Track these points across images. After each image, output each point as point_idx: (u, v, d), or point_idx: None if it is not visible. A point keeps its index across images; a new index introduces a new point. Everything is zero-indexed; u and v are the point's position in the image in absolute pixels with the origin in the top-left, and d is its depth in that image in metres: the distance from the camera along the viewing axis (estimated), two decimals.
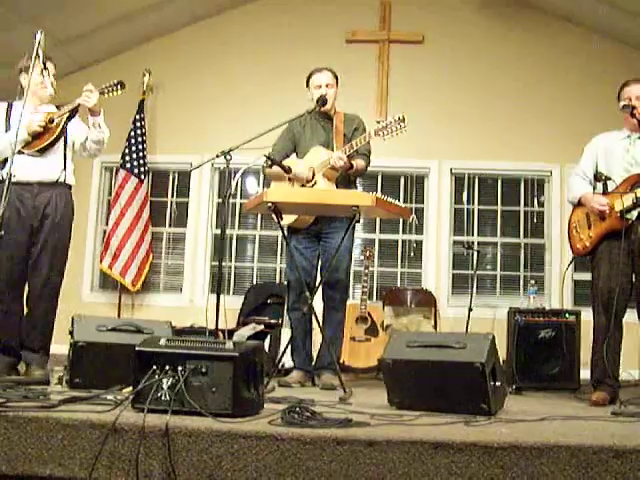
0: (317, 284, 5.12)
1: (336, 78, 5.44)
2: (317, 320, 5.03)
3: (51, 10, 7.23)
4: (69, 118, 4.86)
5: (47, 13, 7.19)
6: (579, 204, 4.95)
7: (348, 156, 5.05)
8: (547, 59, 8.22)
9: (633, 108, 4.40)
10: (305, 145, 5.40)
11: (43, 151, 4.78)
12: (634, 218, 4.58)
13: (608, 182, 4.73)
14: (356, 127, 5.41)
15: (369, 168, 5.47)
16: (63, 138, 4.89)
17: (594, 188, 4.93)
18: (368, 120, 5.57)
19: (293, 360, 5.45)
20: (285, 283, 5.49)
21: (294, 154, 5.49)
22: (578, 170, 5.04)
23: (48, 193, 4.79)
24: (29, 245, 4.77)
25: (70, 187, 4.95)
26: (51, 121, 4.77)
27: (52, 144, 4.80)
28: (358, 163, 5.20)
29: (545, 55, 8.24)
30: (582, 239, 4.86)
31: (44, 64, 4.48)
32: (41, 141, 4.76)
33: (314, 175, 5.18)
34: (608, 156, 4.88)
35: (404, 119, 4.82)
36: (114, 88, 4.80)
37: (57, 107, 4.94)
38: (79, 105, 4.80)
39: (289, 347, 5.25)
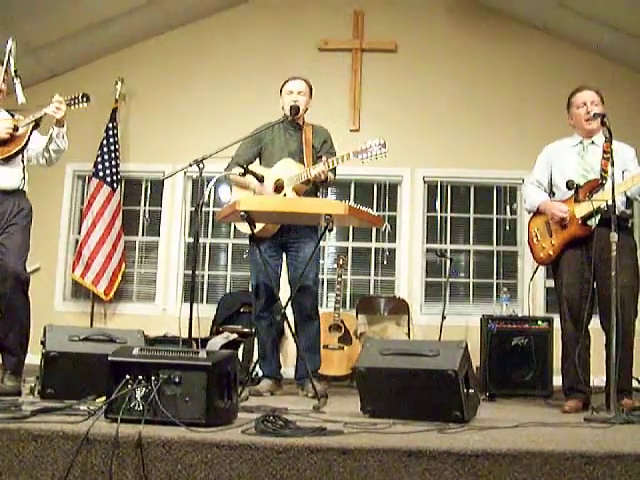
0: (289, 294, 5.09)
1: (310, 89, 5.44)
2: (290, 328, 5.02)
3: (22, 16, 7.17)
4: (33, 127, 4.76)
5: (18, 19, 7.12)
6: (537, 212, 5.00)
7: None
8: (519, 67, 8.28)
9: (603, 116, 4.46)
10: (273, 154, 5.37)
11: (7, 160, 4.68)
12: (595, 225, 4.60)
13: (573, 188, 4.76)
14: (325, 140, 5.42)
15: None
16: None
17: (550, 196, 4.98)
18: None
19: (262, 369, 5.42)
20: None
21: (257, 161, 5.46)
22: (532, 179, 5.09)
23: (12, 200, 4.70)
24: None
25: (25, 194, 4.89)
26: (16, 129, 4.67)
27: (18, 153, 4.71)
28: (329, 176, 5.22)
29: (517, 63, 8.30)
30: (545, 248, 4.89)
31: (15, 72, 4.46)
32: (6, 149, 4.66)
33: (283, 188, 5.18)
34: (562, 163, 4.92)
35: (385, 144, 4.78)
36: (79, 100, 4.72)
37: (8, 112, 4.85)
38: (45, 114, 4.73)
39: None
